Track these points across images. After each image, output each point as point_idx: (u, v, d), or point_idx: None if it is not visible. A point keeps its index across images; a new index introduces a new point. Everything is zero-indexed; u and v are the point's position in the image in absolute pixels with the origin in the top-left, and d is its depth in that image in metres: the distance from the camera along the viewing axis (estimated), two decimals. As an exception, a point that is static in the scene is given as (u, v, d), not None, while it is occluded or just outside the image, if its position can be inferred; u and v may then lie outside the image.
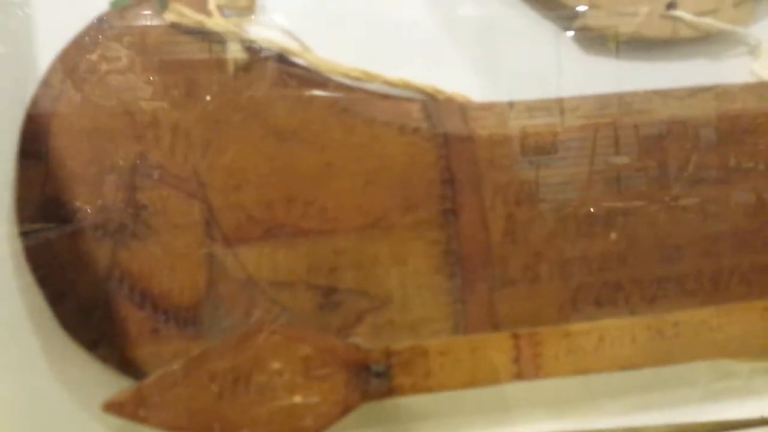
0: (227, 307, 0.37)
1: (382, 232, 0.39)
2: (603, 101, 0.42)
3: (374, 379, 0.35)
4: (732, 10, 0.43)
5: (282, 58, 0.38)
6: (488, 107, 0.41)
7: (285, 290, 0.38)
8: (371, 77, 0.39)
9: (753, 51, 0.44)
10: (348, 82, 0.39)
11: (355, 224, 0.39)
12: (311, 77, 0.38)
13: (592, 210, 0.41)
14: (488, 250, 0.40)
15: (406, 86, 0.40)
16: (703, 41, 0.44)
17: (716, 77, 0.44)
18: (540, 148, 0.41)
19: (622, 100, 0.42)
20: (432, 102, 0.40)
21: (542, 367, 0.36)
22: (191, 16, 0.35)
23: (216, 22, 0.35)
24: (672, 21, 0.43)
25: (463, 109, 0.40)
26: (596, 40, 0.42)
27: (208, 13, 0.36)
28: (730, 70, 0.44)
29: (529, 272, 0.41)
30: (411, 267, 0.40)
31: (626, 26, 0.42)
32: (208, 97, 0.36)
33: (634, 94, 0.42)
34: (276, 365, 0.33)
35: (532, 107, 0.41)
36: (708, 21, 0.43)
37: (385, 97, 0.40)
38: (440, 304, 0.40)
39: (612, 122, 0.41)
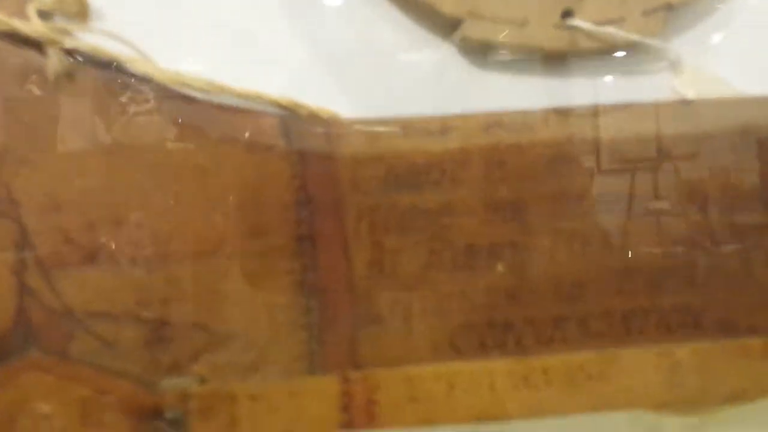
0: (39, 340, 0.33)
1: (226, 259, 0.35)
2: (489, 120, 0.37)
3: (167, 428, 0.30)
4: (641, 19, 0.38)
5: (115, 67, 0.35)
6: (356, 124, 0.37)
7: (107, 322, 0.34)
8: (219, 89, 0.36)
9: (673, 67, 0.39)
10: (193, 94, 0.36)
11: (193, 250, 0.35)
12: (148, 88, 0.35)
13: (474, 240, 0.36)
14: (351, 283, 0.36)
15: (260, 100, 0.36)
16: (616, 55, 0.39)
17: (631, 95, 0.39)
18: (414, 171, 0.37)
19: (511, 119, 0.37)
20: (292, 118, 0.37)
21: (378, 416, 0.31)
22: (4, 21, 0.32)
23: (33, 28, 0.33)
24: (569, 31, 0.38)
25: (327, 126, 0.37)
26: (483, 52, 0.38)
27: (25, 18, 0.33)
28: (649, 88, 0.39)
29: (399, 308, 0.36)
30: (259, 300, 0.35)
31: (513, 37, 0.38)
32: (24, 109, 0.33)
33: (526, 113, 0.38)
34: (45, 408, 0.29)
35: (408, 125, 0.37)
36: (611, 31, 0.38)
37: (236, 111, 0.36)
38: (293, 342, 0.36)
39: (496, 144, 0.37)
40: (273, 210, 0.35)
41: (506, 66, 0.39)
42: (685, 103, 0.38)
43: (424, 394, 0.31)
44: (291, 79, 0.37)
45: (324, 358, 0.36)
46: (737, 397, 0.31)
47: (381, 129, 0.37)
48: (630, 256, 0.37)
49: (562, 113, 0.38)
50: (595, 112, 0.37)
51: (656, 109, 0.38)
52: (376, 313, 0.36)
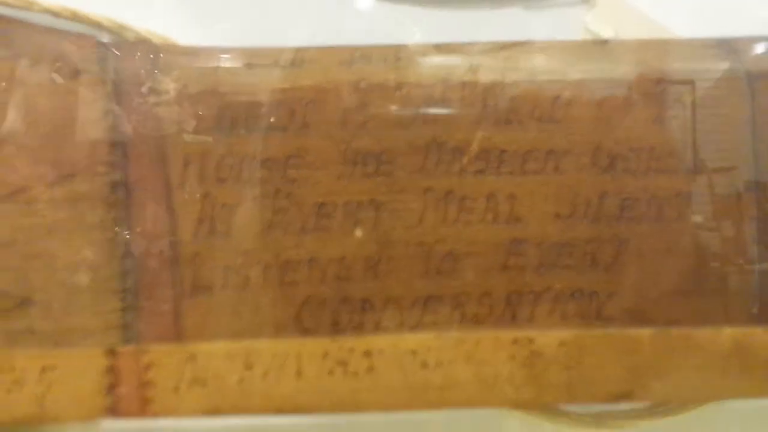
0: None
1: (22, 208, 0.29)
2: (355, 54, 0.31)
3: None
4: (550, -58, 0.32)
5: None
6: (191, 53, 0.31)
7: None
8: (27, 4, 0.30)
9: (587, 1, 0.33)
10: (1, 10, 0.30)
11: (-19, 193, 0.29)
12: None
13: (327, 198, 0.30)
14: (174, 243, 0.30)
15: (77, 18, 0.30)
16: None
17: (539, 31, 0.33)
18: (256, 111, 0.30)
19: (382, 54, 0.31)
20: (114, 43, 0.31)
21: (153, 402, 0.25)
22: None
23: None
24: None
25: (156, 53, 0.31)
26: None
27: None
28: (559, 24, 0.33)
29: (233, 276, 0.30)
30: (62, 259, 0.30)
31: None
32: None
33: (400, 48, 0.31)
34: None
35: (254, 56, 0.31)
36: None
37: (48, 31, 0.30)
38: (104, 310, 0.30)
39: (358, 81, 0.30)
40: (81, 149, 0.29)
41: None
42: (598, 43, 0.32)
43: (213, 377, 0.25)
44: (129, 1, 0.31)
45: (139, 330, 0.30)
46: (618, 399, 0.25)
47: (220, 59, 0.31)
48: (519, 224, 0.31)
49: (444, 49, 0.31)
50: (484, 49, 0.31)
51: (560, 47, 0.32)
52: (206, 281, 0.30)
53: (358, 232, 0.30)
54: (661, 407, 0.32)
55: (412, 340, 0.25)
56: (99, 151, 0.29)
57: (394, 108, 0.30)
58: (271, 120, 0.30)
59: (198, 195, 0.30)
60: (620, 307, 0.31)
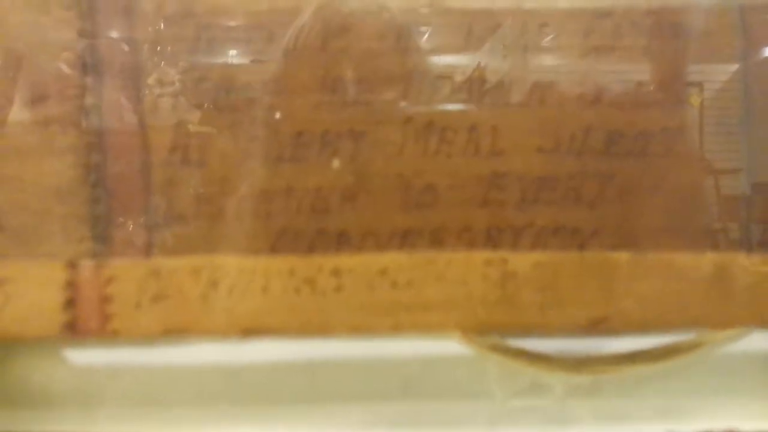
0: None
1: (-5, 130, 0.29)
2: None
3: None
4: None
5: None
6: (167, -26, 0.30)
7: None
8: None
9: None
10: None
11: (-53, 115, 0.28)
12: None
13: (305, 127, 0.29)
14: (146, 171, 0.29)
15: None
16: None
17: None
18: (232, 34, 0.29)
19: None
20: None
21: (113, 318, 0.24)
22: None
23: None
24: None
25: (132, -25, 0.30)
26: None
27: None
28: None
29: (207, 206, 0.29)
30: (34, 182, 0.29)
31: None
32: None
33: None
34: None
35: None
36: None
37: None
38: (74, 238, 0.29)
39: (339, 5, 0.30)
40: (52, 71, 0.29)
41: None
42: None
43: (175, 293, 0.24)
44: None
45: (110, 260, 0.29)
46: (594, 324, 0.24)
47: (198, -19, 0.30)
48: (500, 158, 0.30)
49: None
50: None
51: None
52: (179, 210, 0.29)
53: (336, 163, 0.29)
54: (644, 354, 0.31)
55: (381, 259, 0.24)
56: (71, 75, 0.29)
57: (375, 35, 0.29)
58: (249, 44, 0.29)
59: (171, 122, 0.29)
60: (603, 244, 0.30)
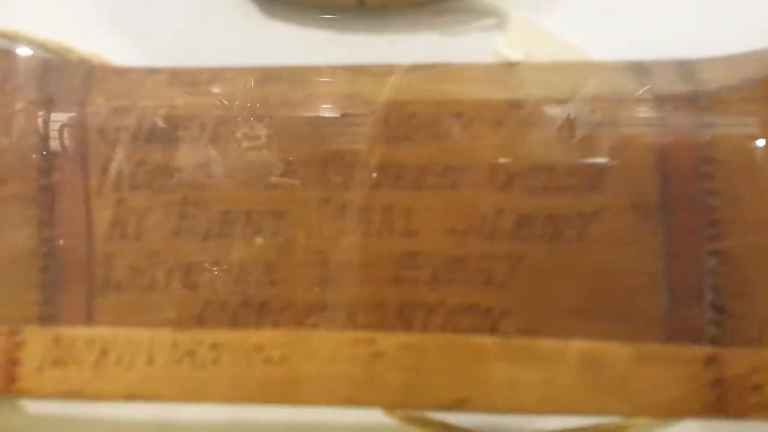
0: None
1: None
2: (267, 74, 0.33)
3: None
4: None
5: None
6: (121, 72, 0.34)
7: None
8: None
9: (501, 24, 0.33)
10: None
11: None
12: None
13: (231, 206, 0.32)
14: (90, 244, 0.32)
15: (18, 39, 0.34)
16: (438, 11, 0.34)
17: (453, 54, 0.33)
18: (171, 124, 0.32)
19: (292, 74, 0.33)
20: (53, 61, 0.34)
21: (19, 380, 0.26)
22: None
23: None
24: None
25: (90, 71, 0.34)
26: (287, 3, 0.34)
27: None
28: (472, 48, 0.34)
29: (140, 277, 0.32)
30: (-7, 252, 0.32)
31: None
32: None
33: (311, 69, 0.33)
34: None
35: (176, 74, 0.33)
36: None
37: (-4, 51, 0.34)
38: (25, 302, 0.32)
39: (266, 98, 0.32)
40: (16, 156, 0.32)
41: (313, 19, 0.34)
42: (506, 65, 0.33)
43: (72, 359, 0.26)
44: (62, 23, 0.35)
45: (57, 323, 0.32)
46: (456, 404, 0.24)
47: (145, 76, 0.33)
48: (415, 238, 0.31)
49: (354, 71, 0.33)
50: (389, 70, 0.32)
51: (466, 69, 0.32)
52: (116, 280, 0.32)
53: (259, 240, 0.31)
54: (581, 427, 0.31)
55: (257, 335, 0.26)
56: (31, 159, 0.32)
57: (298, 123, 0.32)
58: (184, 132, 0.32)
59: (113, 199, 0.32)
60: (514, 325, 0.31)
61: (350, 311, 0.31)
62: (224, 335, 0.26)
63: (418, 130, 0.31)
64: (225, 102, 0.32)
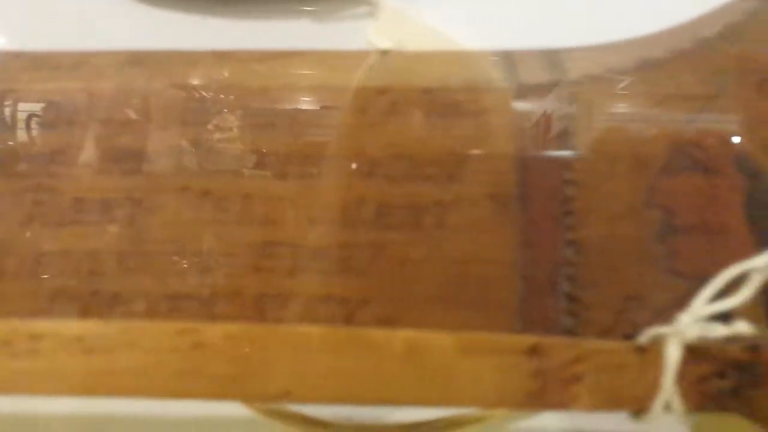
0: None
1: None
2: (132, 58, 0.32)
3: None
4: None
5: None
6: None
7: None
8: None
9: (372, 12, 0.33)
10: None
11: None
12: None
13: (86, 194, 0.31)
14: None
15: None
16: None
17: (325, 42, 0.33)
18: (29, 108, 0.31)
19: (157, 59, 0.32)
20: None
21: None
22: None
23: None
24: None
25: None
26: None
27: None
28: (344, 35, 0.33)
29: (-10, 266, 0.31)
30: None
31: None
32: None
33: (180, 54, 0.32)
34: None
35: (39, 59, 0.32)
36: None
37: None
38: None
39: (127, 83, 0.31)
40: None
41: (181, 3, 0.34)
42: (374, 53, 0.32)
43: None
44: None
45: None
46: (280, 396, 0.24)
47: (4, 60, 0.32)
48: (275, 227, 0.30)
49: (222, 56, 0.32)
50: (253, 56, 0.32)
51: (333, 56, 0.32)
52: (-32, 266, 0.31)
53: (113, 228, 0.31)
54: (427, 425, 0.31)
55: (77, 326, 0.25)
56: None
57: (156, 109, 0.31)
58: (42, 118, 0.31)
59: (-37, 185, 0.31)
60: (372, 314, 0.30)
61: (206, 302, 0.30)
62: (43, 325, 0.25)
63: (281, 117, 0.31)
64: (89, 88, 0.31)
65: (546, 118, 0.30)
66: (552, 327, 0.30)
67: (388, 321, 0.30)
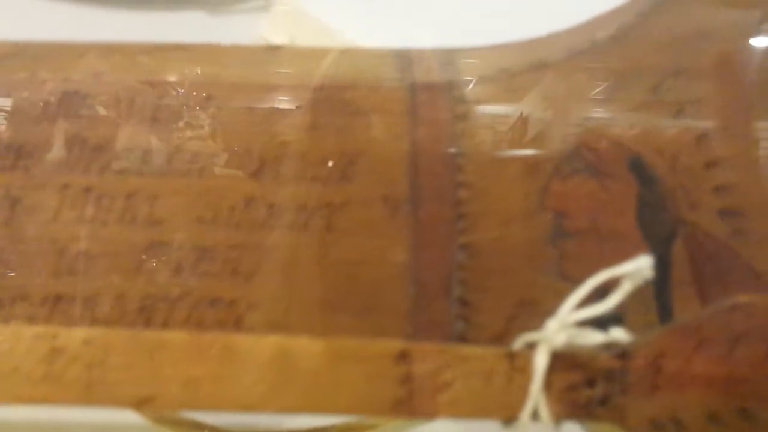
0: None
1: None
2: (12, 50, 0.31)
3: None
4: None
5: None
6: None
7: None
8: None
9: (267, 7, 0.32)
10: None
11: None
12: None
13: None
14: None
15: None
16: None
17: (219, 35, 0.32)
18: None
19: (37, 50, 0.31)
20: None
21: None
22: None
23: None
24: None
25: None
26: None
27: None
28: (236, 28, 0.32)
29: None
30: None
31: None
32: None
33: (55, 46, 0.31)
34: None
35: None
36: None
37: None
38: None
39: (8, 75, 0.30)
40: None
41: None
42: (267, 49, 0.31)
43: None
44: None
45: None
46: (140, 402, 0.23)
47: None
48: (160, 227, 0.30)
49: (108, 49, 0.31)
50: (142, 49, 0.31)
51: (224, 51, 0.31)
52: None
53: (-18, 223, 0.29)
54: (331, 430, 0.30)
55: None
56: None
57: (39, 102, 0.30)
58: None
59: None
60: (262, 318, 0.30)
61: (88, 304, 0.29)
62: None
63: (169, 113, 0.30)
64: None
65: (437, 119, 0.30)
66: (444, 332, 0.29)
67: (277, 326, 0.29)
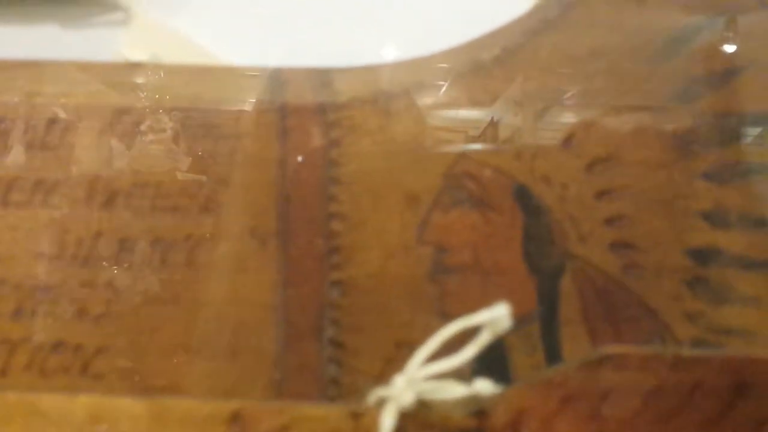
0: None
1: None
2: None
3: None
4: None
5: None
6: None
7: None
8: None
9: (127, 21, 0.30)
10: None
11: None
12: None
13: None
14: None
15: None
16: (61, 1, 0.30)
17: (77, 52, 0.29)
18: None
19: None
20: None
21: None
22: None
23: None
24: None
25: None
26: None
27: None
28: (98, 43, 0.30)
29: None
30: None
31: None
32: None
33: None
34: None
35: None
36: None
37: None
38: None
39: None
40: None
41: None
42: (129, 66, 0.29)
43: None
44: None
45: None
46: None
47: None
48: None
49: None
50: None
51: (74, 67, 0.28)
52: None
53: None
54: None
55: None
56: None
57: None
58: None
59: None
60: (112, 363, 0.27)
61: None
62: None
63: (5, 136, 0.27)
64: None
65: (310, 145, 0.27)
66: (315, 376, 0.27)
67: (130, 372, 0.27)
